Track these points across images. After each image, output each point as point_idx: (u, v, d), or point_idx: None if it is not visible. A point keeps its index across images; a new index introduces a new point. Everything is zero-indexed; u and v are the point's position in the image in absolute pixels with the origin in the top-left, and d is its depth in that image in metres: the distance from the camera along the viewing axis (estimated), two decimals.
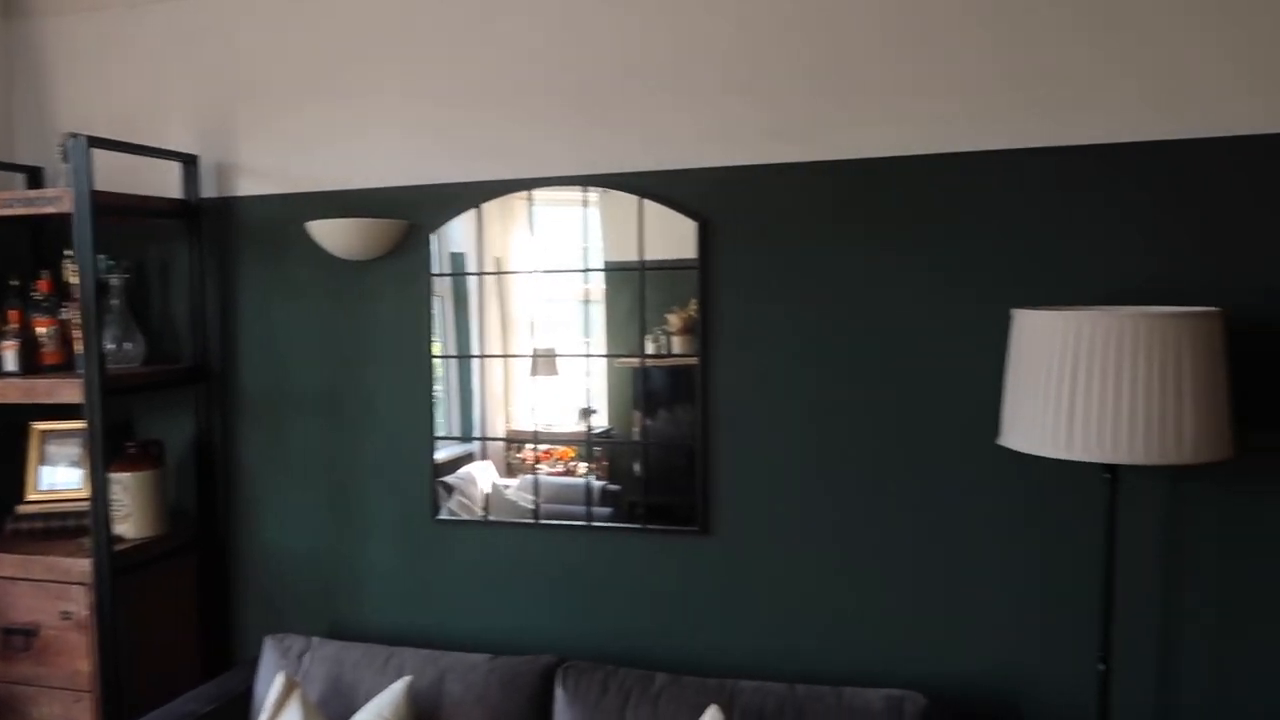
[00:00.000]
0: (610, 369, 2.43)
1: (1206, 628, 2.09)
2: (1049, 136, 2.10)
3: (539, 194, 2.44)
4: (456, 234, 2.51)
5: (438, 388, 2.55)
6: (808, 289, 2.28)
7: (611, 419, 2.45)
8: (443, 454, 2.57)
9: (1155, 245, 2.06)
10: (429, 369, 2.56)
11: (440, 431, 2.55)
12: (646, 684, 2.18)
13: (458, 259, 2.52)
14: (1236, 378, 1.99)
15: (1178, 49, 2.01)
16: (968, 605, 2.22)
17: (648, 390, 2.41)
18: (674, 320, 2.37)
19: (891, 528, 2.26)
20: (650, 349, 2.39)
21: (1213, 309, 1.79)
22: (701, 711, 2.05)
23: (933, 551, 2.23)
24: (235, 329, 2.74)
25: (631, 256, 2.38)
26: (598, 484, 2.47)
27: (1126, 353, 1.73)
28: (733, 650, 2.38)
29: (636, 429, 2.42)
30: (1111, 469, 1.91)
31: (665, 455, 2.39)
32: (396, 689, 2.17)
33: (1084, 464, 2.06)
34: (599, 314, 2.42)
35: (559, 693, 2.21)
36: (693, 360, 2.35)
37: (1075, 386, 1.77)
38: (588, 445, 2.45)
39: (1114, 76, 2.05)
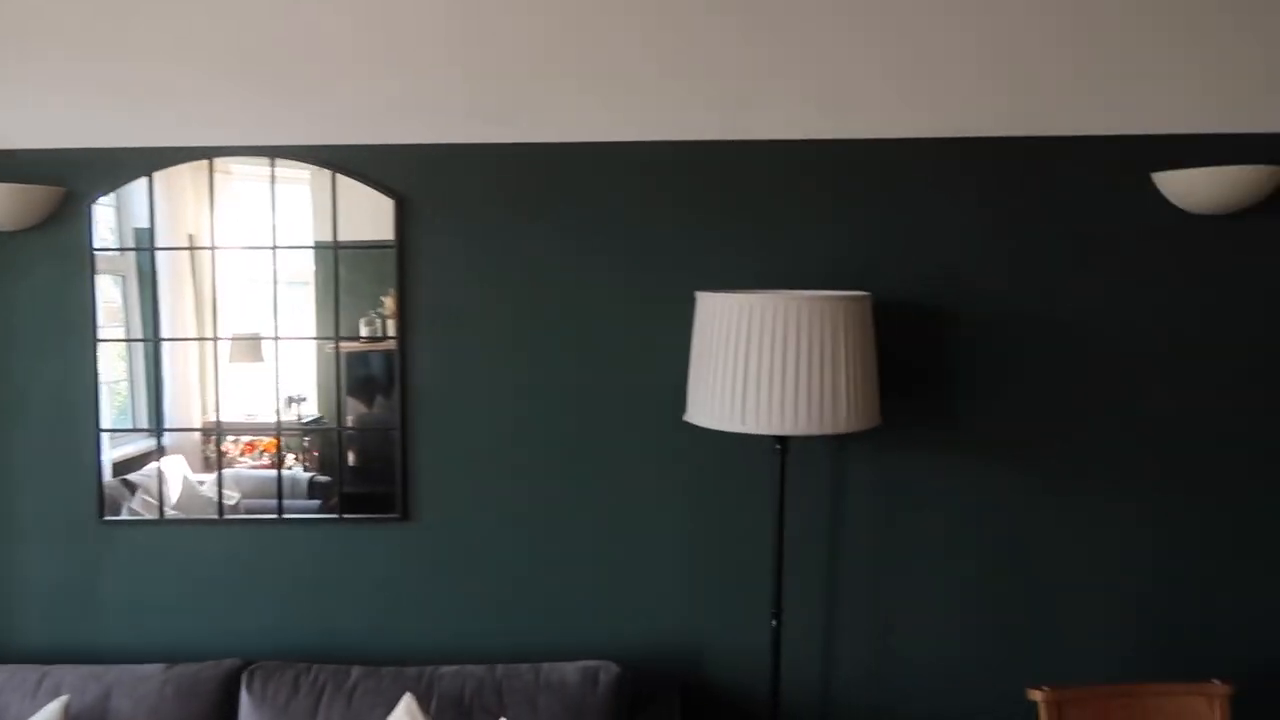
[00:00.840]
0: (320, 354, 2.31)
1: (866, 579, 2.33)
2: (726, 130, 2.24)
3: (241, 167, 2.26)
4: (140, 206, 2.27)
5: (116, 376, 2.30)
6: (507, 271, 2.28)
7: (321, 407, 2.33)
8: (125, 449, 2.32)
9: (820, 234, 2.26)
10: (93, 355, 2.30)
11: (113, 424, 2.31)
12: (341, 679, 2.10)
13: (141, 234, 2.28)
14: (882, 354, 2.24)
15: (841, 59, 2.20)
16: (657, 574, 2.33)
17: (358, 376, 2.31)
18: (389, 303, 2.29)
19: (587, 504, 2.32)
20: (365, 332, 2.29)
21: (863, 293, 1.99)
22: (396, 702, 2.01)
23: (625, 525, 2.33)
24: None
25: (338, 235, 2.27)
26: (305, 475, 2.34)
27: (790, 332, 1.89)
28: (436, 636, 2.35)
29: (350, 417, 2.31)
30: (782, 440, 2.08)
31: (374, 443, 2.31)
32: (49, 711, 1.94)
33: (757, 436, 2.23)
34: (308, 296, 2.29)
35: (245, 697, 2.08)
36: (389, 344, 2.29)
37: (748, 364, 1.90)
38: (281, 434, 2.32)
39: (783, 79, 2.22)
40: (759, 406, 1.90)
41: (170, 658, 2.30)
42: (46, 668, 2.12)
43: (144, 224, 2.28)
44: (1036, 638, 2.33)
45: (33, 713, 2.01)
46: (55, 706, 1.95)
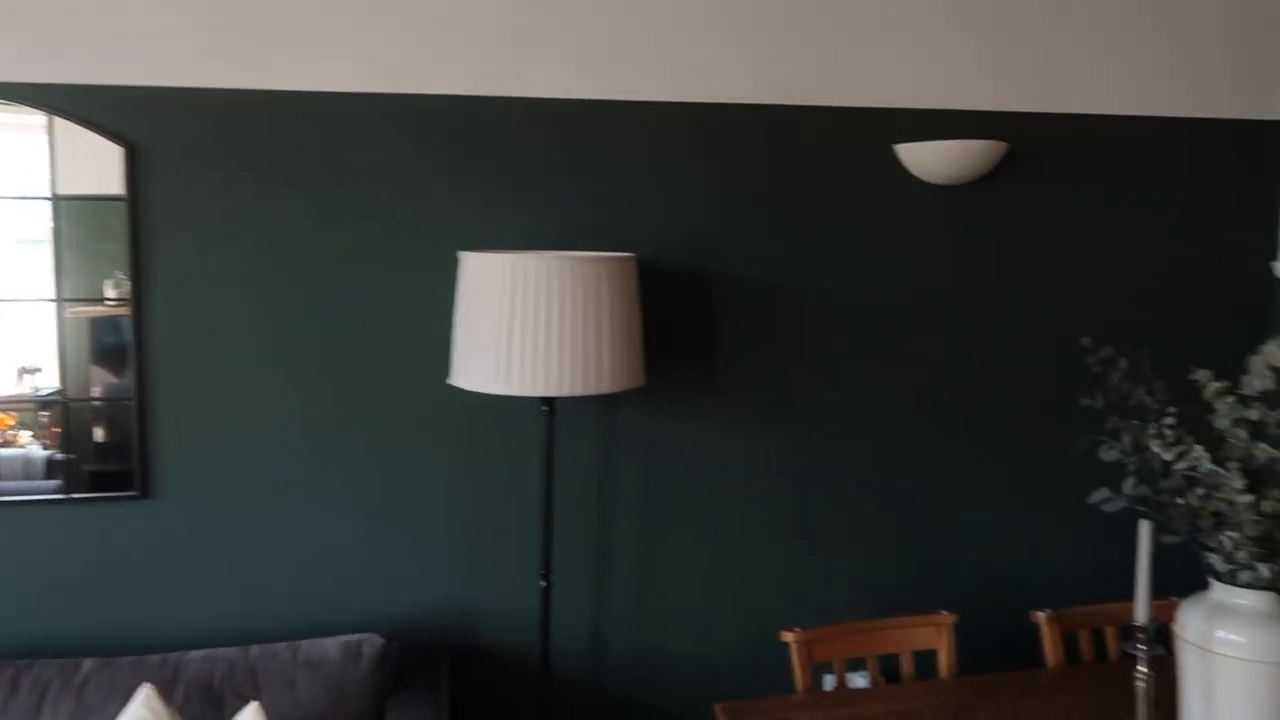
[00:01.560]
0: (61, 320, 2.06)
1: (633, 537, 2.38)
2: (486, 87, 2.19)
3: None
4: None
5: None
6: (256, 229, 2.13)
7: (63, 378, 2.08)
8: None
9: (584, 196, 2.26)
10: None
11: None
12: (70, 674, 1.91)
13: None
14: (646, 315, 2.29)
15: (603, 20, 2.20)
16: (425, 541, 2.28)
17: (103, 343, 2.08)
18: None
19: (349, 473, 2.23)
20: (112, 295, 2.07)
21: (627, 255, 2.01)
22: (132, 694, 1.86)
23: (389, 493, 2.25)
24: None
25: (86, 189, 2.03)
26: (43, 454, 2.09)
27: (554, 293, 1.88)
28: (185, 622, 2.19)
29: (98, 388, 2.09)
30: (549, 401, 2.08)
31: (121, 416, 2.10)
32: None
33: (525, 398, 2.22)
34: (46, 256, 2.04)
35: None
36: (124, 308, 2.08)
37: (512, 326, 1.88)
38: (34, 410, 2.06)
39: (547, 37, 2.19)
40: (525, 369, 1.88)
41: None
42: None
43: None
44: (792, 584, 2.47)
45: None
46: None
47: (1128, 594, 2.29)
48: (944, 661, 2.10)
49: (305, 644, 2.05)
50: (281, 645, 2.04)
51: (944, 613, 2.12)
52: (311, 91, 2.12)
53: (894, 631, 2.11)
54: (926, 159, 2.31)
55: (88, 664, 1.94)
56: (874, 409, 2.46)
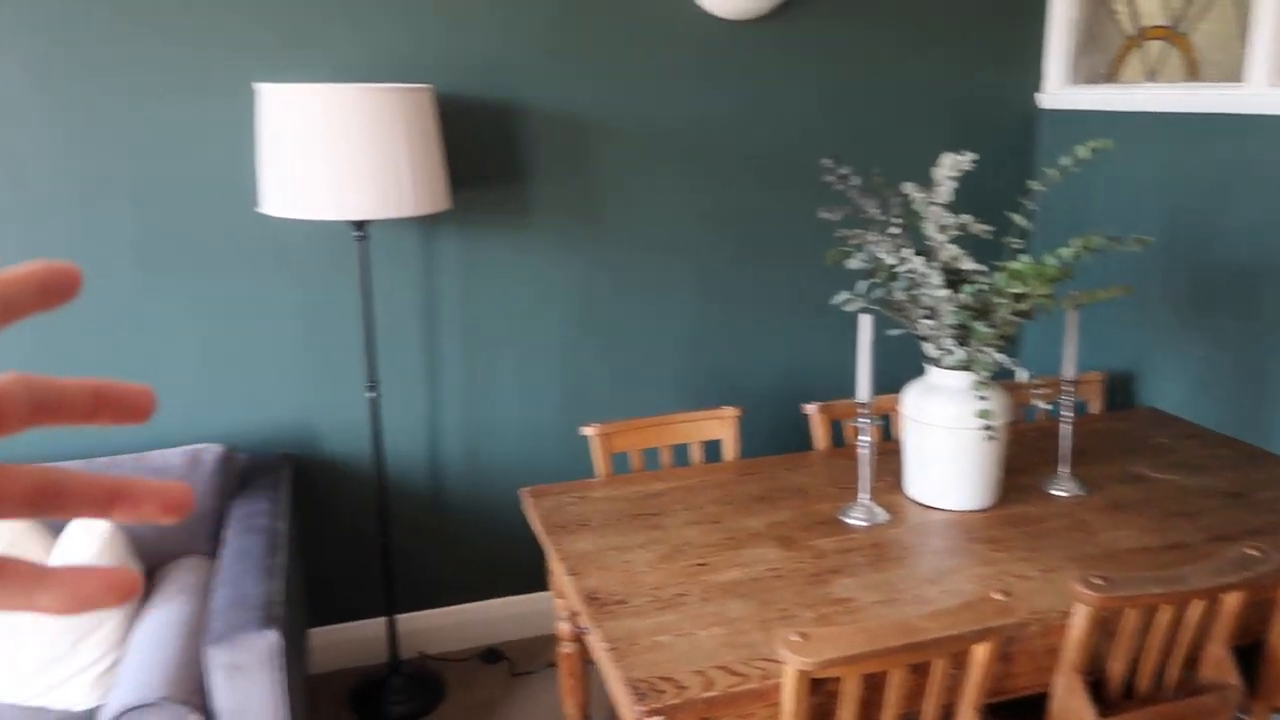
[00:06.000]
0: None
1: (458, 350, 2.60)
2: None
3: None
4: None
5: None
6: (42, 60, 2.16)
7: None
8: None
9: (379, 25, 2.34)
10: None
11: None
12: None
13: None
14: (450, 144, 2.42)
15: None
16: (257, 363, 2.46)
17: None
18: None
19: (175, 303, 2.36)
20: None
21: (423, 85, 2.13)
22: None
23: (218, 320, 2.40)
24: None
25: None
26: None
27: (353, 123, 2.00)
28: (31, 440, 2.34)
29: None
30: (360, 225, 2.23)
31: None
32: None
33: (339, 224, 2.36)
34: None
35: None
36: None
37: (312, 154, 2.00)
38: None
39: None
40: (329, 194, 2.02)
41: None
42: None
43: None
44: (602, 387, 2.75)
45: None
46: None
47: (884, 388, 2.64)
48: (729, 450, 2.42)
49: (150, 454, 2.24)
50: (127, 456, 2.23)
51: (728, 408, 2.43)
52: None
53: (684, 425, 2.40)
54: None
55: None
56: (669, 230, 2.69)
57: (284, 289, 2.42)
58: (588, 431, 2.29)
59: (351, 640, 2.70)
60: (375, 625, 2.71)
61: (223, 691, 1.73)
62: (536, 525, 2.03)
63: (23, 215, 2.21)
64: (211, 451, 2.26)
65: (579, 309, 2.66)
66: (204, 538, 2.21)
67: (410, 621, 2.75)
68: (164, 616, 1.92)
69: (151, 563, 2.15)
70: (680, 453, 2.69)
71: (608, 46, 2.49)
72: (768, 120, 2.67)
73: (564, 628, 2.20)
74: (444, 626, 2.78)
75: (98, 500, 0.33)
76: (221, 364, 2.43)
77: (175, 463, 2.23)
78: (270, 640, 1.73)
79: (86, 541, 1.95)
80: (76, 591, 0.32)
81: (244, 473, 2.39)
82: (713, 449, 2.65)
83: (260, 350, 2.45)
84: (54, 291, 0.33)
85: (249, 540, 2.07)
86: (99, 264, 2.29)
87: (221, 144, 2.29)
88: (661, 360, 2.78)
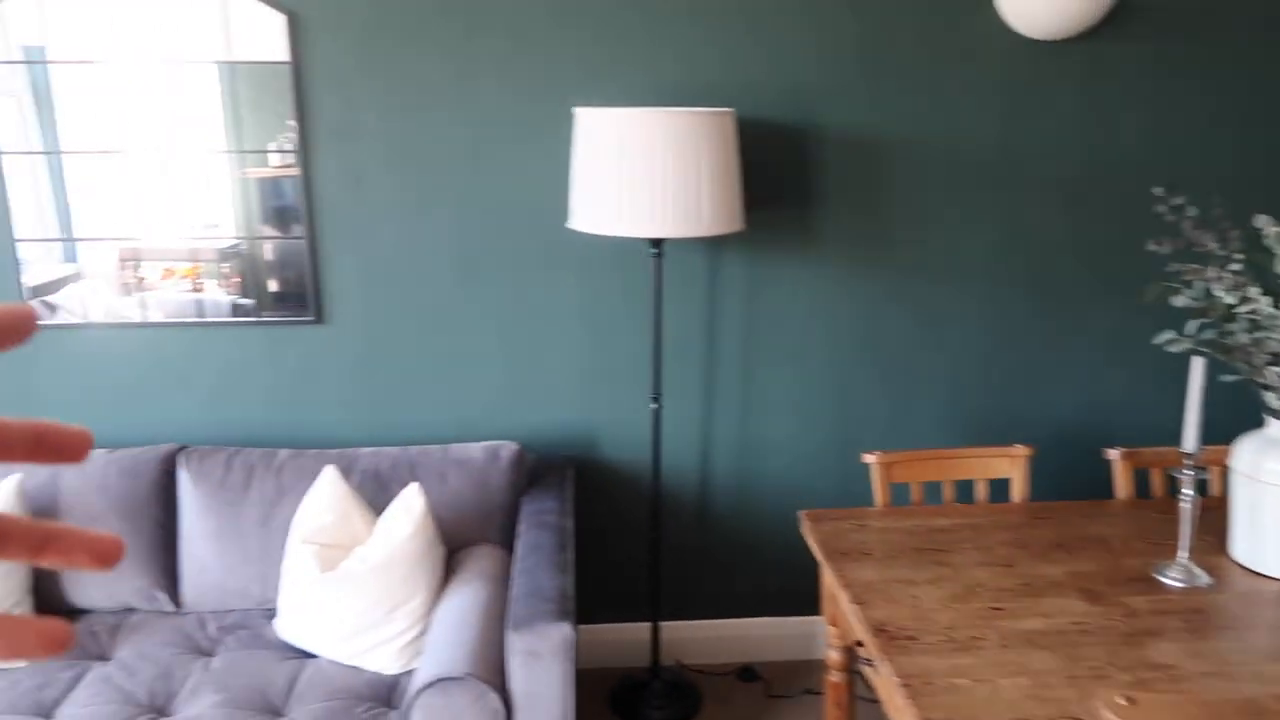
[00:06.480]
0: (232, 180, 2.41)
1: (736, 368, 2.64)
2: None
3: None
4: (29, 23, 2.30)
5: (22, 196, 2.40)
6: (404, 87, 2.41)
7: (239, 231, 2.45)
8: (41, 274, 2.43)
9: (683, 53, 2.42)
10: None
11: (27, 251, 2.42)
12: (269, 459, 2.37)
13: (33, 51, 2.32)
14: (748, 166, 2.46)
15: None
16: (553, 367, 2.61)
17: (271, 199, 2.44)
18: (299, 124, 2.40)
19: (485, 307, 2.55)
20: (276, 160, 2.41)
21: (726, 109, 2.18)
22: (318, 476, 2.29)
23: (521, 324, 2.57)
24: None
25: (221, 55, 2.34)
26: (226, 299, 2.50)
27: (659, 145, 2.08)
28: (352, 427, 2.61)
29: (264, 242, 2.45)
30: (656, 243, 2.31)
31: (291, 265, 2.47)
32: (4, 487, 2.18)
33: (637, 240, 2.46)
34: (214, 120, 2.38)
35: (182, 475, 2.34)
36: (294, 163, 2.42)
37: (621, 174, 2.10)
38: (216, 261, 2.47)
39: None
40: (633, 212, 2.12)
41: (109, 447, 2.53)
42: None
43: (35, 42, 2.31)
44: (881, 414, 2.69)
45: None
46: (9, 484, 2.19)
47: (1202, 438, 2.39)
48: (1017, 490, 2.29)
49: (453, 446, 2.43)
50: (434, 447, 2.43)
51: (1020, 446, 2.30)
52: None
53: (970, 460, 2.30)
54: (1026, 8, 2.33)
55: (283, 453, 2.39)
56: (961, 258, 2.58)
57: (578, 300, 2.56)
58: (869, 459, 2.24)
59: (613, 640, 2.80)
60: (637, 629, 2.79)
61: (520, 675, 1.84)
62: (816, 549, 2.01)
63: (363, 222, 2.48)
64: (508, 448, 2.42)
65: (859, 334, 2.63)
66: (497, 528, 2.36)
67: (670, 629, 2.81)
68: (465, 598, 2.08)
69: (451, 547, 2.33)
70: (963, 488, 2.58)
71: (910, 70, 2.45)
72: (1078, 146, 2.52)
73: (833, 655, 2.17)
74: (702, 639, 2.82)
75: (32, 545, 0.34)
76: (519, 366, 2.60)
77: (476, 456, 2.41)
78: (565, 632, 1.83)
79: (403, 520, 2.14)
80: (9, 641, 0.33)
81: (532, 471, 2.54)
82: (997, 487, 2.52)
83: (553, 356, 2.60)
84: (11, 332, 0.34)
85: (540, 535, 2.20)
86: (425, 266, 2.51)
87: (537, 163, 2.46)
88: (940, 392, 2.68)
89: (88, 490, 2.27)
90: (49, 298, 2.46)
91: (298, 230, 2.46)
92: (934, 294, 2.61)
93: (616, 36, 2.40)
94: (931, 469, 2.28)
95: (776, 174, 2.51)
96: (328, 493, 2.19)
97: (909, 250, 2.57)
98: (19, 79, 2.33)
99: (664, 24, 2.40)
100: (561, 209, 2.49)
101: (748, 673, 2.78)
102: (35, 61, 2.33)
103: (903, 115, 2.48)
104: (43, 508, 2.26)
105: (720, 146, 2.14)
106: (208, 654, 2.17)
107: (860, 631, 1.72)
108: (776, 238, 2.55)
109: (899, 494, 2.50)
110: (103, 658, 2.16)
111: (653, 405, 2.44)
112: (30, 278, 2.44)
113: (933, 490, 2.61)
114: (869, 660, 1.79)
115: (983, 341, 2.65)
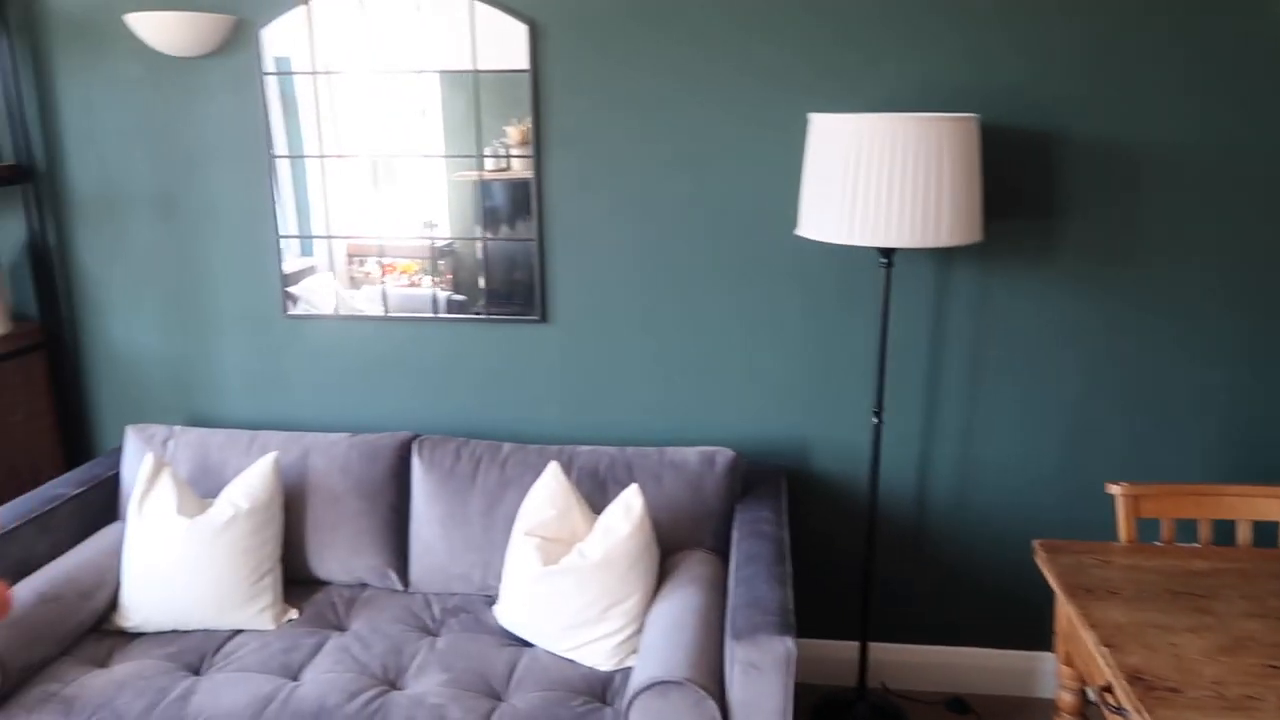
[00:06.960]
0: (449, 182, 2.54)
1: (962, 385, 2.52)
2: None
3: None
4: (282, 37, 2.50)
5: (278, 194, 2.61)
6: (633, 94, 2.44)
7: (454, 231, 2.57)
8: (286, 266, 2.65)
9: (924, 57, 2.32)
10: (266, 170, 2.60)
11: (283, 239, 2.63)
12: (495, 452, 2.46)
13: (282, 62, 2.52)
14: (988, 173, 2.34)
15: None
16: (768, 375, 2.57)
17: (488, 201, 2.54)
18: (512, 133, 2.49)
19: (703, 312, 2.55)
20: (490, 164, 2.51)
21: (969, 115, 2.08)
22: (543, 471, 2.36)
23: (738, 331, 2.55)
24: (57, 126, 2.66)
25: (466, 64, 2.45)
26: (444, 295, 2.63)
27: (898, 151, 2.01)
28: (572, 425, 2.68)
29: (479, 241, 2.56)
30: (888, 253, 2.24)
31: (504, 265, 2.57)
32: (264, 463, 2.36)
33: (865, 249, 2.39)
34: (434, 125, 2.50)
35: (416, 462, 2.46)
36: (529, 166, 2.50)
37: (857, 181, 2.04)
38: (431, 256, 2.60)
39: None
40: (867, 220, 2.05)
41: (348, 430, 2.70)
42: (255, 432, 2.55)
43: (284, 54, 2.50)
44: (1122, 442, 2.49)
45: (248, 465, 2.45)
46: (268, 460, 2.37)
47: None
48: None
49: (670, 450, 2.44)
50: (651, 449, 2.45)
51: None
52: None
53: (1234, 499, 2.09)
54: None
55: (507, 446, 2.48)
56: (1227, 278, 2.35)
57: (799, 308, 2.51)
58: (1114, 490, 2.08)
59: (817, 657, 2.73)
60: (844, 647, 2.72)
61: (738, 685, 1.82)
62: (1054, 583, 1.88)
63: (586, 225, 2.53)
64: (724, 455, 2.41)
65: (1097, 356, 2.44)
66: (711, 534, 2.36)
67: (877, 651, 2.72)
68: (681, 602, 2.08)
69: (664, 550, 2.34)
70: (1222, 529, 2.35)
71: (1167, 72, 2.25)
72: None
73: (1066, 698, 2.02)
74: (911, 664, 2.71)
75: None
76: (733, 372, 2.58)
77: (692, 460, 2.41)
78: (787, 646, 1.79)
79: (623, 520, 2.16)
80: None
81: (745, 479, 2.52)
82: (1263, 531, 2.28)
83: (769, 364, 2.56)
84: None
85: (757, 545, 2.17)
86: (648, 268, 2.54)
87: (763, 169, 2.43)
88: (1190, 421, 2.45)
89: (332, 471, 2.43)
90: (291, 288, 2.66)
91: (519, 231, 2.54)
92: (1184, 315, 2.39)
93: (853, 43, 2.34)
94: (1188, 505, 2.09)
95: (1013, 184, 2.37)
96: (551, 488, 2.25)
97: (1157, 268, 2.37)
98: (271, 89, 2.53)
99: (900, 23, 2.31)
100: (785, 216, 2.45)
101: (958, 704, 2.65)
102: (284, 73, 2.52)
103: (1160, 122, 2.29)
104: (292, 484, 2.44)
105: (963, 154, 2.04)
106: (433, 634, 2.28)
107: (1111, 677, 1.59)
108: (1010, 250, 2.41)
109: (1146, 530, 2.31)
110: (340, 628, 2.30)
111: (874, 420, 2.36)
112: (285, 267, 2.66)
113: (1184, 529, 2.40)
114: (1118, 708, 1.65)
115: (1244, 370, 2.41)
